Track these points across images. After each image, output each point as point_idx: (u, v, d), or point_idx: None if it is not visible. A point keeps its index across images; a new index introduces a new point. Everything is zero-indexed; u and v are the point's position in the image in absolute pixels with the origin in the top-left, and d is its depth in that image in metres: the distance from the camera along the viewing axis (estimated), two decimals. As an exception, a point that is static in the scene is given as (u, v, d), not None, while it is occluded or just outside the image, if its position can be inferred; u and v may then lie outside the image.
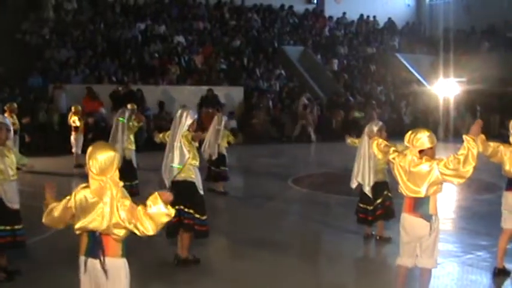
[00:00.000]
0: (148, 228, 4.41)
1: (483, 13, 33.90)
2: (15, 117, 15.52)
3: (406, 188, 6.09)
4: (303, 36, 33.29)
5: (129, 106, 14.24)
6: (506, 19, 33.39)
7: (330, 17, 35.81)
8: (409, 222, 6.17)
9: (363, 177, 9.10)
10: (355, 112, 27.42)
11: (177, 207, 7.45)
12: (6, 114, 15.73)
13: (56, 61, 24.47)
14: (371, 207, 9.22)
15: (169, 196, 4.47)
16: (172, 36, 28.71)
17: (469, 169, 5.76)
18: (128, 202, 4.51)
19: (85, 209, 4.56)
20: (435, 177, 5.87)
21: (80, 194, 4.61)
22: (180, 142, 7.95)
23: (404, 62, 33.35)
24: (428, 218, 6.05)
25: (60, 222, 4.80)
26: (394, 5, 37.95)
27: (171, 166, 7.96)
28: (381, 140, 7.00)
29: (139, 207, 4.44)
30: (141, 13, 29.40)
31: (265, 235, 10.05)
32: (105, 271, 4.59)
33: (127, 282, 4.73)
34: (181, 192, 7.76)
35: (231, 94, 26.69)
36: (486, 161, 7.31)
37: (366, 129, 9.02)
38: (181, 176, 7.97)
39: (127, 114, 12.25)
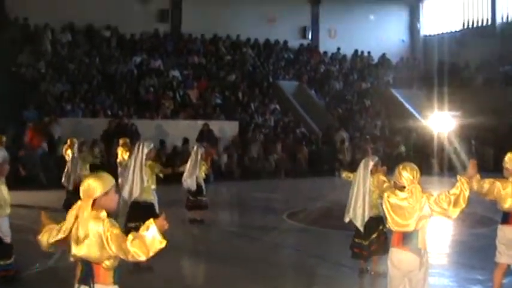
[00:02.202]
0: (139, 255, 4.44)
1: (477, 48, 34.19)
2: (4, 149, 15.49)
3: (395, 222, 6.06)
4: (298, 71, 33.46)
5: (121, 140, 15.02)
6: (500, 54, 33.64)
7: (325, 52, 36.03)
8: (398, 257, 6.11)
9: (355, 212, 9.06)
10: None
11: (136, 223, 8.77)
12: None
13: (51, 94, 24.51)
14: (366, 242, 9.16)
15: (165, 224, 4.50)
16: (167, 71, 28.83)
17: (457, 211, 5.79)
18: (116, 231, 4.55)
19: (76, 237, 4.62)
20: (425, 211, 5.86)
21: (73, 220, 4.69)
22: (141, 170, 9.62)
23: (399, 97, 33.50)
24: (417, 252, 6.00)
25: (52, 246, 4.88)
26: (389, 40, 38.18)
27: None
28: (380, 177, 7.04)
29: (130, 235, 4.48)
30: (136, 47, 29.54)
31: (259, 268, 9.99)
32: None
33: None
34: (141, 212, 9.15)
35: (225, 128, 26.70)
36: (481, 194, 7.29)
37: (361, 164, 9.05)
38: (142, 198, 9.58)
39: (76, 145, 13.65)
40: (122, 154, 16.61)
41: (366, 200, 8.94)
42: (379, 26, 37.22)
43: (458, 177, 5.81)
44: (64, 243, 4.79)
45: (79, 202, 4.75)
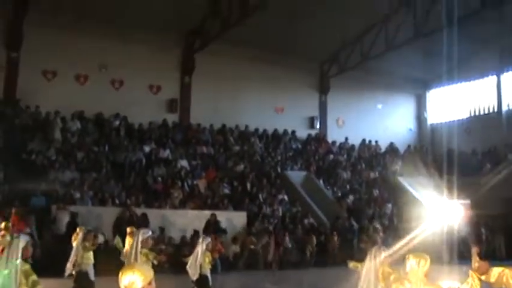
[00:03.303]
0: None
1: (483, 135, 34.41)
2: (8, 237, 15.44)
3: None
4: (306, 161, 33.57)
5: (128, 229, 15.40)
6: (506, 142, 33.81)
7: (333, 142, 36.23)
8: None
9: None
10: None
11: None
12: (1, 234, 15.81)
13: (60, 182, 24.60)
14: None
15: None
16: (176, 160, 28.96)
17: None
18: None
19: None
20: None
21: None
22: (135, 258, 10.37)
23: (407, 186, 33.45)
24: None
25: None
26: (396, 129, 38.50)
27: None
28: (386, 268, 6.96)
29: None
30: (145, 137, 29.79)
31: None
32: None
33: None
34: None
35: (233, 219, 26.57)
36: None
37: (373, 254, 8.94)
38: None
39: (81, 235, 13.60)
40: (129, 243, 16.57)
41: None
42: (386, 115, 37.66)
43: (470, 272, 5.74)
44: None
45: None
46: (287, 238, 26.41)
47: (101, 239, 18.02)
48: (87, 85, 29.62)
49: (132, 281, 4.73)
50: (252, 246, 25.09)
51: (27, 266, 8.06)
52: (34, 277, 8.05)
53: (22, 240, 8.14)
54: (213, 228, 24.05)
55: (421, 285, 5.90)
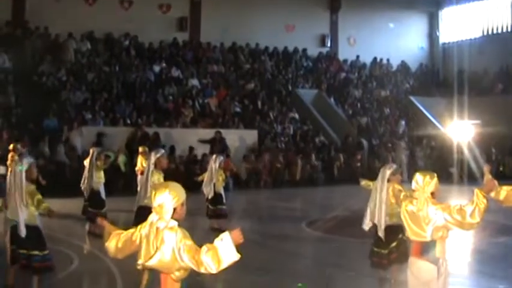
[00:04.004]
0: (211, 267, 4.39)
1: (496, 55, 33.97)
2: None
3: (412, 231, 6.07)
4: (317, 79, 33.44)
5: (140, 148, 15.74)
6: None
7: (344, 60, 35.99)
8: (416, 266, 6.12)
9: (377, 220, 9.02)
10: None
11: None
12: (10, 155, 16.07)
13: (71, 103, 24.70)
14: (385, 251, 9.12)
15: (240, 236, 4.47)
16: (186, 79, 28.91)
17: (472, 223, 5.75)
18: (189, 242, 4.52)
19: (148, 247, 4.60)
20: (439, 222, 5.85)
21: (145, 229, 4.68)
22: (147, 178, 10.70)
23: (418, 105, 33.40)
24: (435, 261, 5.99)
25: (120, 253, 4.92)
26: (407, 47, 38.06)
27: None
28: (396, 185, 7.03)
29: (205, 246, 4.46)
30: (155, 56, 29.67)
31: (276, 277, 9.97)
32: None
33: None
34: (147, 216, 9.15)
35: (244, 137, 26.73)
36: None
37: (380, 173, 9.03)
38: (145, 203, 10.16)
39: (95, 154, 13.89)
40: (141, 162, 16.78)
41: (382, 208, 8.91)
42: (398, 34, 37.16)
43: (475, 190, 5.78)
44: (132, 250, 4.82)
45: (153, 212, 4.70)
46: (313, 156, 26.81)
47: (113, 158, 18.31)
48: (95, 5, 29.30)
49: (164, 200, 4.64)
50: (262, 165, 25.32)
51: (32, 187, 8.29)
52: (39, 196, 8.29)
53: (25, 163, 8.28)
54: (218, 145, 24.22)
55: (428, 203, 5.96)
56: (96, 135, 22.71)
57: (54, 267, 8.63)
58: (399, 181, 8.66)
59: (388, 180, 8.78)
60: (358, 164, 27.18)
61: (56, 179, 18.69)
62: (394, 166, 9.12)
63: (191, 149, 24.12)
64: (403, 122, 32.08)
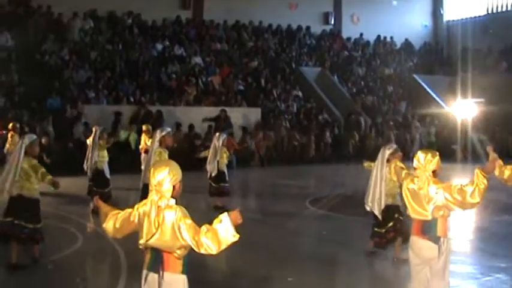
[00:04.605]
0: (211, 248, 4.43)
1: (500, 33, 33.79)
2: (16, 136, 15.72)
3: (413, 210, 6.11)
4: (320, 57, 33.35)
5: (143, 127, 15.81)
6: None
7: (348, 38, 35.87)
8: (417, 245, 6.16)
9: (373, 201, 9.10)
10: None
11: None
12: (10, 134, 16.15)
13: (74, 82, 24.67)
14: (383, 230, 9.29)
15: (239, 217, 4.50)
16: (190, 58, 28.84)
17: (473, 203, 5.76)
18: (189, 221, 4.54)
19: (149, 226, 4.63)
20: (440, 201, 5.87)
21: (146, 207, 4.71)
22: (152, 157, 10.67)
23: (422, 83, 33.32)
24: (436, 240, 6.02)
25: (118, 233, 4.95)
26: (411, 25, 37.88)
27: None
28: (398, 163, 7.04)
29: (204, 227, 4.48)
30: (158, 34, 29.57)
31: (280, 255, 10.02)
32: (159, 284, 4.64)
33: None
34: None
35: (248, 115, 26.73)
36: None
37: (380, 153, 9.09)
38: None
39: (98, 133, 13.78)
40: (144, 140, 16.85)
41: (382, 187, 8.99)
42: (401, 11, 36.98)
43: (476, 171, 5.79)
44: (130, 230, 4.86)
45: (153, 190, 4.71)
46: (327, 134, 27.06)
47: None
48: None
49: (163, 178, 4.66)
50: (267, 143, 25.38)
51: (35, 161, 8.42)
52: (43, 169, 8.43)
53: (27, 139, 8.42)
54: (223, 123, 24.25)
55: (429, 182, 5.98)
56: (113, 113, 23.02)
57: (41, 240, 8.83)
58: (400, 159, 8.68)
59: (388, 161, 8.83)
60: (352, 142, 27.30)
61: (74, 158, 18.72)
62: (394, 146, 9.21)
63: (191, 127, 24.11)
64: (403, 103, 32.12)
